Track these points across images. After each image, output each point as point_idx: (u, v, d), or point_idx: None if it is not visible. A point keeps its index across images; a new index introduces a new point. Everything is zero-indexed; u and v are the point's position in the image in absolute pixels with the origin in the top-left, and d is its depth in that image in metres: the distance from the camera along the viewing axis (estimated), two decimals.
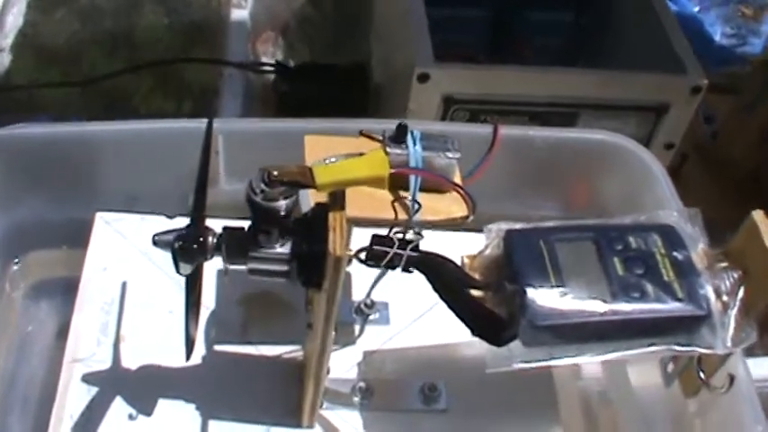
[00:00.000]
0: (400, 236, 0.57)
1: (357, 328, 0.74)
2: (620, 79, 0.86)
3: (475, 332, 0.56)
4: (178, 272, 0.56)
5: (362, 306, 0.74)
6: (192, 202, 0.56)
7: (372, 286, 0.74)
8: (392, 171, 0.56)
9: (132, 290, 0.74)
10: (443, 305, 0.75)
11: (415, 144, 0.60)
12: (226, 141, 0.75)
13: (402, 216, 0.59)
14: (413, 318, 0.75)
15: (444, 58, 0.86)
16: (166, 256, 0.74)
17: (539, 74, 0.85)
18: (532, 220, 0.67)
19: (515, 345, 0.56)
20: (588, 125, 0.87)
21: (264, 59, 1.11)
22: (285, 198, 0.53)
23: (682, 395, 0.68)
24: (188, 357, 0.59)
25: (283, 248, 0.55)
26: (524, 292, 0.55)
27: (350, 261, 0.56)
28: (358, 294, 0.75)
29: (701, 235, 0.63)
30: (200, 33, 1.12)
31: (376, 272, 0.70)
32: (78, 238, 0.77)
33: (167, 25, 1.14)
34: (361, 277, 0.74)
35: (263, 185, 0.52)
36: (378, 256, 0.57)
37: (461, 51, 0.97)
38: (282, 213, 0.53)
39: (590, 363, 0.57)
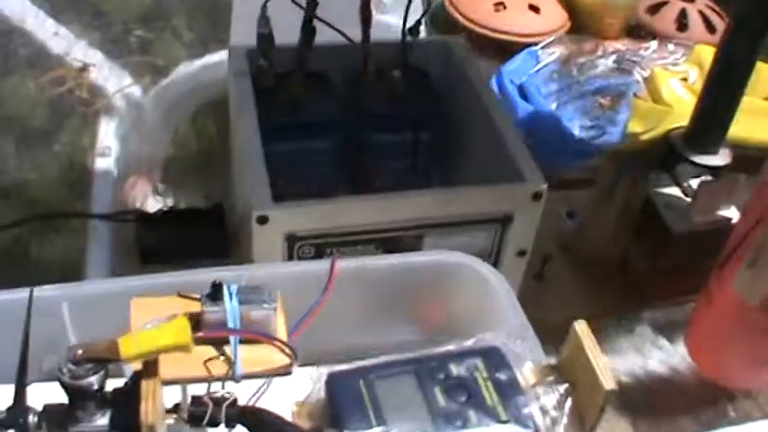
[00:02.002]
0: (218, 394, 0.58)
1: None
2: (461, 195, 0.87)
3: None
4: None
5: None
6: (15, 382, 0.55)
7: None
8: (202, 335, 0.56)
9: None
10: None
11: (231, 299, 0.62)
12: (71, 307, 0.74)
13: (221, 371, 0.60)
14: None
15: (290, 194, 0.86)
16: None
17: (379, 201, 0.86)
18: (387, 349, 0.68)
19: None
20: (436, 244, 0.88)
21: (132, 206, 1.12)
22: (95, 373, 0.53)
23: None
24: None
25: (104, 419, 0.55)
26: None
27: None
28: None
29: (532, 350, 0.65)
30: (66, 187, 1.13)
31: None
32: None
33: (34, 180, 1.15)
34: None
35: (69, 365, 0.53)
36: (199, 416, 0.57)
37: (310, 184, 0.97)
38: (95, 388, 0.53)
39: None
